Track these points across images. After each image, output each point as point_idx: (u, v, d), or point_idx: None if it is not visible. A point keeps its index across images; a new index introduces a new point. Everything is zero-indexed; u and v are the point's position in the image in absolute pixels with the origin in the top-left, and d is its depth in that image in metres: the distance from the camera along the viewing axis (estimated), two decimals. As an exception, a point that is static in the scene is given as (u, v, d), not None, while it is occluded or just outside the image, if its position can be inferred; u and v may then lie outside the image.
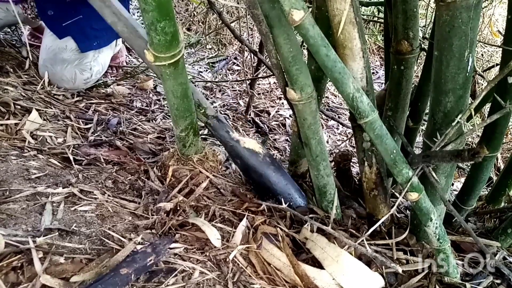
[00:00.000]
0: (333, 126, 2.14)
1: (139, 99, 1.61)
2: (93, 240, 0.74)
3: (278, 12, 0.68)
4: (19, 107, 1.15)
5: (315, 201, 1.01)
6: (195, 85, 2.03)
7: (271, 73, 1.85)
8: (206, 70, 2.34)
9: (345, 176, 1.19)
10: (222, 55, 2.56)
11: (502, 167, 1.80)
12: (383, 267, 0.84)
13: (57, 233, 0.72)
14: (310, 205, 1.00)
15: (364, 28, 0.76)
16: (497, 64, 1.34)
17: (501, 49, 0.86)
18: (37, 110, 1.15)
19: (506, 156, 2.00)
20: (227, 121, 1.78)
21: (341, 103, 2.42)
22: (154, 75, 1.90)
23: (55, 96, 1.35)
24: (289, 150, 1.67)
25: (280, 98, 2.20)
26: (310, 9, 0.78)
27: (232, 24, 1.67)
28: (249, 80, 1.89)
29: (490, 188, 1.23)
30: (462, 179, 1.47)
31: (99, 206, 0.84)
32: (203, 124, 1.03)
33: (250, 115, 1.91)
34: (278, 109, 2.08)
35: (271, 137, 1.79)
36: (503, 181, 1.12)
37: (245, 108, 1.93)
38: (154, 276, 0.68)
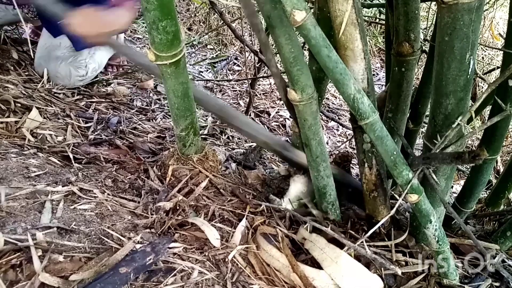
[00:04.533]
0: (333, 127, 2.14)
1: (139, 98, 1.61)
2: (92, 238, 0.74)
3: (279, 12, 0.68)
4: (19, 105, 1.15)
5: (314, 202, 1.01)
6: (195, 85, 2.03)
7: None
8: (207, 70, 2.34)
9: (345, 177, 1.19)
10: (223, 55, 2.56)
11: (501, 170, 1.80)
12: (382, 268, 0.84)
13: (56, 232, 0.72)
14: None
15: (365, 30, 0.76)
16: (497, 67, 1.35)
17: (502, 52, 0.86)
18: (37, 108, 1.15)
19: (506, 159, 2.00)
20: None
21: (341, 105, 2.42)
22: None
23: (55, 95, 1.35)
24: (289, 151, 1.66)
25: (280, 99, 2.20)
26: (312, 10, 0.78)
27: (233, 24, 1.67)
28: (250, 80, 1.89)
29: (490, 190, 1.23)
30: (462, 182, 1.47)
31: (99, 204, 0.84)
32: (203, 124, 1.03)
33: (250, 115, 1.91)
34: (278, 110, 2.08)
35: (271, 137, 1.79)
36: (502, 184, 1.12)
37: (245, 108, 1.93)
38: (153, 275, 0.68)
